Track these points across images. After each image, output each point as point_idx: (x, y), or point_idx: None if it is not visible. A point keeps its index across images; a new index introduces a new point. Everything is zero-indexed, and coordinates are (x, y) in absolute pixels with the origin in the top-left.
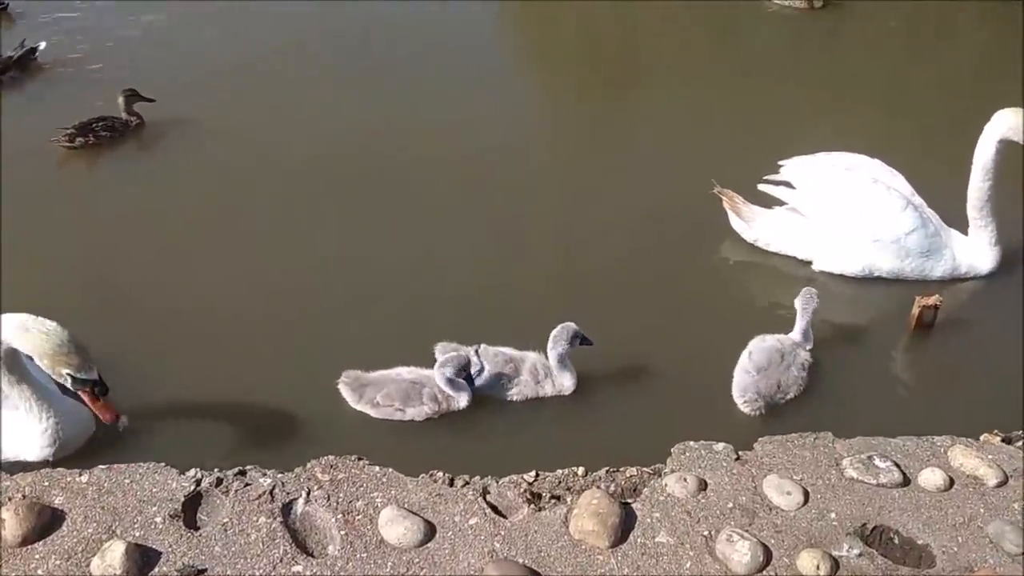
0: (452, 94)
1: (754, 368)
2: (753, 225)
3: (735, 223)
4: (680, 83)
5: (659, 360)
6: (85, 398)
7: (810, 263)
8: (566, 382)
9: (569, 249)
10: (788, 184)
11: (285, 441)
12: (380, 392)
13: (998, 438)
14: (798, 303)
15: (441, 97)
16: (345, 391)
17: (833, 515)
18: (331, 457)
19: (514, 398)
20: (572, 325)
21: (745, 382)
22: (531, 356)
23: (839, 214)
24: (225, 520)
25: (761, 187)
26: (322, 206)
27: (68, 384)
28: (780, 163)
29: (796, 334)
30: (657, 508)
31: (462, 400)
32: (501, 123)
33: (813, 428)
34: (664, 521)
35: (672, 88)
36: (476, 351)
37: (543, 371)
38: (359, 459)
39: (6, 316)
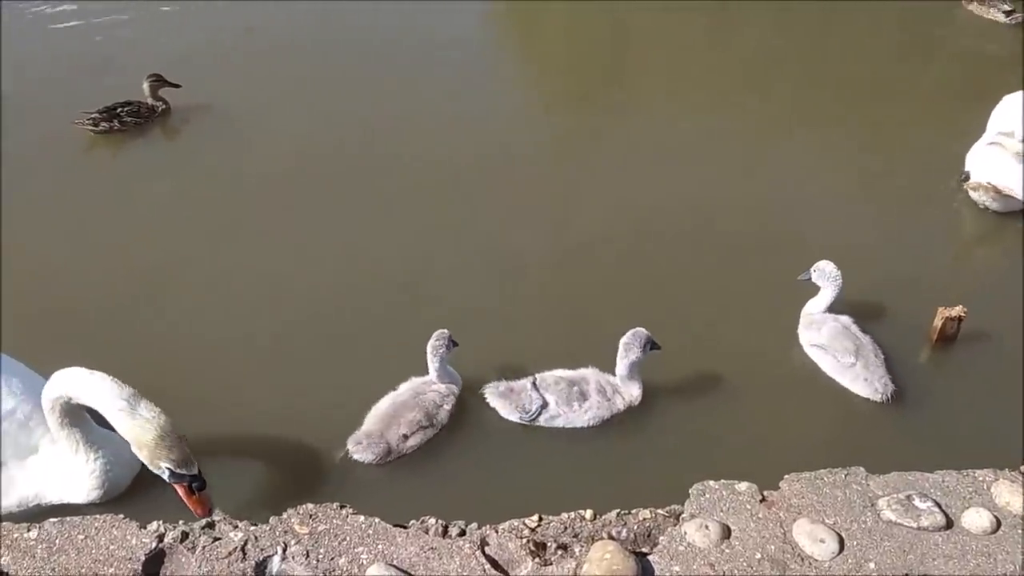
0: (448, 99)
1: (851, 356)
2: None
3: (999, 205)
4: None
5: (670, 384)
6: (179, 491)
7: None
8: (635, 391)
9: (574, 259)
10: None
11: (258, 486)
12: (403, 423)
13: None
14: (828, 275)
15: (437, 103)
16: (361, 454)
17: (872, 564)
18: (310, 506)
19: (589, 423)
20: (643, 331)
21: (864, 375)
22: (590, 373)
23: None
24: None
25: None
26: (325, 207)
27: (164, 476)
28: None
29: (820, 305)
30: (677, 560)
31: (456, 385)
32: (499, 129)
33: (839, 459)
34: None
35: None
36: (533, 383)
37: (609, 387)
38: (341, 507)
39: (106, 385)
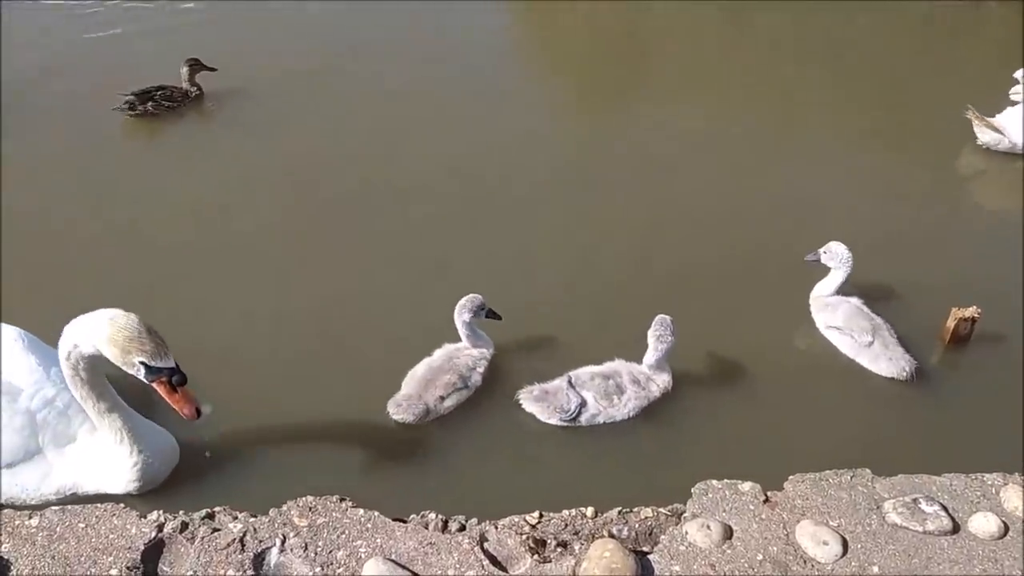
0: (466, 96)
1: (868, 335)
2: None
3: (988, 139)
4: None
5: (680, 380)
6: (160, 390)
7: None
8: (666, 377)
9: (588, 263)
10: None
11: (258, 477)
12: (439, 385)
13: None
14: (839, 257)
15: (455, 100)
16: (401, 415)
17: (876, 568)
18: (310, 498)
19: (629, 415)
20: (667, 317)
21: (886, 354)
22: (620, 365)
23: None
24: (189, 573)
25: None
26: (345, 199)
27: (141, 376)
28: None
29: (829, 287)
30: (677, 560)
31: (488, 349)
32: (513, 126)
33: (846, 460)
34: None
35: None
36: (569, 381)
37: (642, 376)
38: (341, 500)
39: (80, 317)
